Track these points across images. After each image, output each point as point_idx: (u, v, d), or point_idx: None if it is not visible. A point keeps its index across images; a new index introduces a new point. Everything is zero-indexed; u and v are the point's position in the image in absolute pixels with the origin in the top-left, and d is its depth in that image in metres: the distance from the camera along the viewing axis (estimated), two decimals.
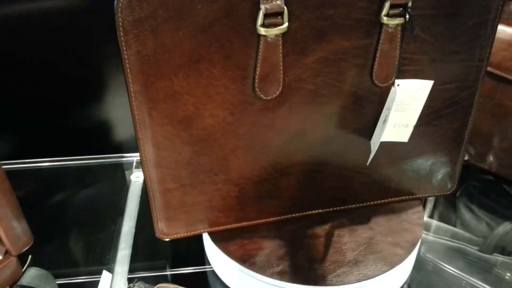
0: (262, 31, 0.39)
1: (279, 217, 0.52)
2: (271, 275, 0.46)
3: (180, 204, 0.48)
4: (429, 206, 0.67)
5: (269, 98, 0.43)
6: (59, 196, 0.68)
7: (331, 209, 0.53)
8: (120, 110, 0.70)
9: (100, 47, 0.65)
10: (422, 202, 0.57)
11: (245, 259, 0.48)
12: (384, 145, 0.50)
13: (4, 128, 0.70)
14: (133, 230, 0.57)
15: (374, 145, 0.48)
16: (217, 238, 0.51)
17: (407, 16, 0.42)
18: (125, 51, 0.38)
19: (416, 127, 0.50)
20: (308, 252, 0.49)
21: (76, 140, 0.72)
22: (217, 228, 0.51)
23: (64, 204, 0.66)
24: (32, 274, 0.49)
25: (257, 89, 0.42)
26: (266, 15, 0.39)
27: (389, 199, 0.55)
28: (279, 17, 0.39)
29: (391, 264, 0.48)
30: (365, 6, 0.42)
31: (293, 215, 0.52)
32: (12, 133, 0.72)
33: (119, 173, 0.72)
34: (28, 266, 0.50)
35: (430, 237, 0.62)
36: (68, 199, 0.67)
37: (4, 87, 0.66)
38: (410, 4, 0.42)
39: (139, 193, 0.65)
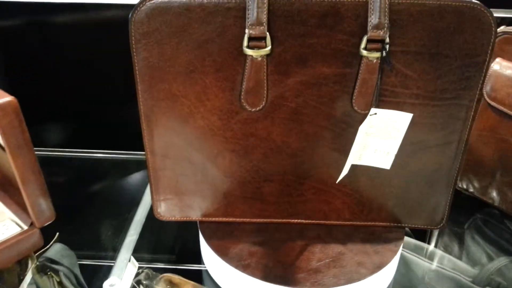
0: (247, 51, 0.46)
1: (262, 219, 0.58)
2: (236, 266, 0.52)
3: (175, 190, 0.56)
4: (435, 235, 0.68)
5: (253, 110, 0.49)
6: (85, 184, 0.77)
7: (313, 221, 0.58)
8: None
9: None
10: (403, 230, 0.58)
11: (222, 250, 0.55)
12: (366, 168, 0.53)
13: (46, 120, 0.82)
14: (144, 219, 0.65)
15: (346, 166, 0.52)
16: (206, 233, 0.58)
17: (384, 52, 0.46)
18: (135, 57, 0.47)
19: (400, 157, 0.52)
20: (278, 254, 0.54)
21: (107, 135, 0.84)
22: (207, 219, 0.58)
23: (89, 192, 0.75)
24: (56, 249, 0.56)
25: (243, 100, 0.49)
26: (250, 39, 0.45)
27: (372, 223, 0.58)
28: (263, 41, 0.46)
29: (349, 280, 0.51)
30: (345, 39, 0.46)
31: (276, 220, 0.58)
32: (54, 125, 0.84)
33: (143, 168, 0.79)
34: (55, 242, 0.57)
35: (427, 264, 0.63)
36: (93, 188, 0.76)
37: (53, 84, 0.79)
38: (387, 40, 0.45)
39: None
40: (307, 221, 0.58)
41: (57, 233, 0.57)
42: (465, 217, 0.70)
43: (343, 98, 0.49)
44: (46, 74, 0.80)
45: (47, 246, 0.56)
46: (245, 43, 0.46)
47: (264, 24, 0.45)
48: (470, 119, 0.51)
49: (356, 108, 0.49)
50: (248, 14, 0.44)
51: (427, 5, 0.45)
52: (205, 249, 0.57)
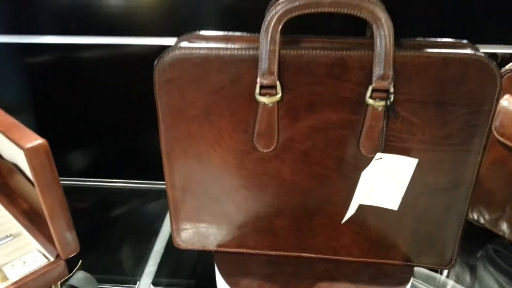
0: (259, 98, 0.49)
1: (274, 252, 0.60)
2: None
3: (193, 221, 0.59)
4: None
5: (265, 151, 0.53)
6: (108, 213, 0.80)
7: (323, 256, 0.60)
8: None
9: None
10: (413, 269, 0.59)
11: (233, 282, 0.58)
12: (374, 208, 0.55)
13: (68, 149, 0.88)
14: (162, 250, 0.69)
15: (352, 206, 0.54)
16: (220, 263, 0.61)
17: (388, 101, 0.48)
18: (158, 100, 0.52)
19: (408, 199, 0.54)
20: (284, 287, 0.56)
21: (131, 165, 0.88)
22: (222, 249, 0.61)
23: (111, 221, 0.78)
24: (80, 276, 0.60)
25: (255, 142, 0.52)
26: (262, 87, 0.49)
27: (381, 260, 0.59)
28: (273, 89, 0.49)
29: None
30: (351, 88, 0.49)
31: (287, 253, 0.60)
32: (67, 151, 0.88)
33: (164, 198, 0.79)
34: (78, 270, 0.61)
35: None
36: (115, 217, 0.79)
37: (76, 116, 0.85)
38: (391, 90, 0.48)
39: None
40: (317, 255, 0.60)
41: (80, 261, 0.62)
42: (476, 247, 0.71)
43: (350, 142, 0.51)
44: (70, 107, 0.85)
45: (71, 274, 0.60)
46: (257, 90, 0.49)
47: (275, 74, 0.48)
48: (478, 164, 0.52)
49: (363, 151, 0.51)
50: (260, 65, 0.48)
51: (431, 57, 0.47)
52: (219, 279, 0.60)
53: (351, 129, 0.51)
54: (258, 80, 0.49)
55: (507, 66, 0.66)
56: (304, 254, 0.60)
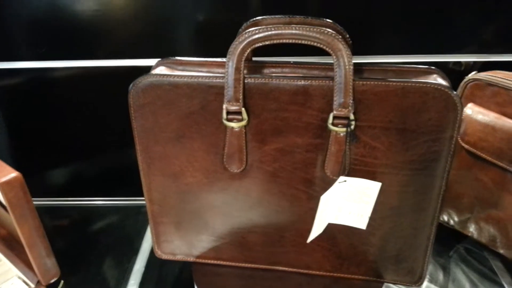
0: (226, 123, 0.52)
1: (249, 264, 0.63)
2: None
3: (171, 234, 0.62)
4: None
5: (235, 171, 0.55)
6: (84, 234, 0.78)
7: (296, 269, 0.62)
8: None
9: None
10: (382, 284, 0.60)
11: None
12: (343, 227, 0.57)
13: (36, 167, 0.85)
14: (143, 269, 0.69)
15: (316, 227, 0.55)
16: (197, 273, 0.64)
17: (350, 128, 0.49)
18: (134, 122, 0.55)
19: (375, 219, 0.55)
20: None
21: (106, 182, 0.87)
22: (200, 260, 0.64)
23: (91, 240, 0.77)
24: None
25: (225, 163, 0.55)
26: (228, 112, 0.51)
27: (353, 276, 0.61)
28: (239, 115, 0.51)
29: None
30: (314, 114, 0.50)
31: (261, 266, 0.62)
32: (45, 172, 0.86)
33: (142, 215, 0.82)
34: None
35: None
36: (95, 235, 0.78)
37: (47, 132, 0.83)
38: (352, 117, 0.49)
39: None
40: (290, 269, 0.62)
41: (62, 282, 0.63)
42: (448, 248, 0.73)
43: (316, 165, 0.53)
44: (45, 129, 0.83)
45: None
46: (224, 116, 0.51)
47: (240, 101, 0.50)
48: (442, 188, 0.53)
49: (328, 174, 0.53)
50: (226, 92, 0.50)
51: (390, 86, 0.48)
52: None
53: (316, 152, 0.52)
54: (224, 106, 0.51)
55: (469, 75, 0.67)
56: (278, 268, 0.62)
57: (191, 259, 0.64)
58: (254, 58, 0.57)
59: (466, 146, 0.66)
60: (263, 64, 0.55)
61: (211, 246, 0.62)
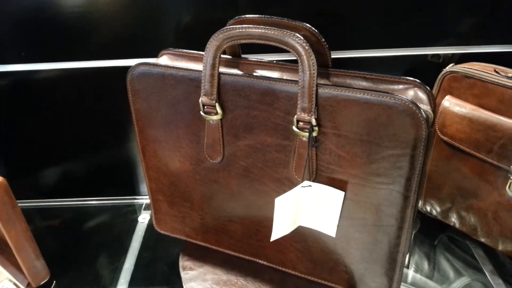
0: (203, 115, 0.55)
1: (232, 252, 0.65)
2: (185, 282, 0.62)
3: (166, 212, 0.68)
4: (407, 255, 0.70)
5: (214, 162, 0.58)
6: (74, 234, 0.79)
7: (273, 265, 0.63)
8: (134, 158, 0.84)
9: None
10: None
11: (184, 265, 0.65)
12: (313, 232, 0.57)
13: (25, 169, 0.85)
14: (132, 267, 0.69)
15: (278, 227, 0.56)
16: (185, 251, 0.69)
17: (313, 132, 0.49)
18: (132, 106, 0.60)
19: (343, 228, 0.54)
20: (228, 283, 0.62)
21: (95, 182, 0.87)
22: (190, 239, 0.68)
23: (78, 241, 0.77)
24: None
25: (205, 153, 0.58)
26: (204, 105, 0.54)
27: (325, 282, 0.60)
28: (214, 108, 0.53)
29: None
30: (282, 116, 0.51)
31: (243, 256, 0.65)
32: (34, 174, 0.86)
33: (130, 214, 0.83)
34: None
35: None
36: (83, 237, 0.78)
37: (35, 134, 0.82)
38: (314, 122, 0.48)
39: (143, 233, 0.77)
40: (268, 263, 0.63)
41: (54, 282, 0.65)
42: (432, 237, 0.75)
43: (285, 166, 0.54)
44: (33, 132, 0.83)
45: None
46: (201, 108, 0.54)
47: (214, 95, 0.53)
48: (410, 208, 0.50)
49: (296, 176, 0.53)
50: (203, 86, 0.53)
51: (353, 95, 0.46)
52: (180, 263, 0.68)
53: (285, 154, 0.53)
54: (200, 99, 0.54)
55: (447, 68, 0.67)
56: (258, 260, 0.64)
57: (183, 237, 0.69)
58: (244, 55, 0.58)
59: (444, 138, 0.67)
60: (245, 62, 0.56)
61: (199, 228, 0.66)
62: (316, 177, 0.52)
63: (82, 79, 0.77)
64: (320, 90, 0.48)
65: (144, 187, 0.85)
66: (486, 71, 0.63)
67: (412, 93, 0.49)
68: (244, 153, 0.56)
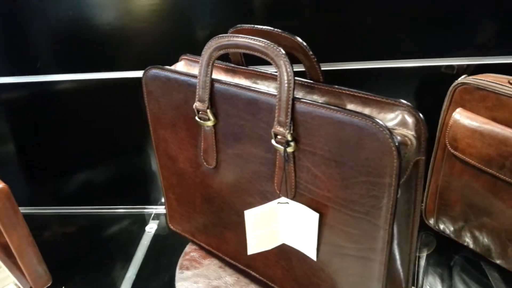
0: (198, 120, 0.56)
1: (229, 259, 0.65)
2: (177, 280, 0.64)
3: (175, 210, 0.70)
4: (421, 275, 0.68)
5: (209, 167, 0.59)
6: (83, 241, 0.80)
7: (263, 279, 0.62)
8: (146, 168, 0.85)
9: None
10: None
11: (185, 266, 0.67)
12: (296, 251, 0.54)
13: (35, 177, 0.87)
14: (134, 277, 0.70)
15: (252, 241, 0.54)
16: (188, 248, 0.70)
17: (288, 148, 0.47)
18: (147, 106, 0.64)
19: (323, 253, 0.51)
20: None
21: (108, 192, 0.88)
22: (195, 240, 0.70)
23: (86, 248, 0.78)
24: None
25: (201, 157, 0.59)
26: (197, 111, 0.55)
27: None
28: (206, 114, 0.54)
29: None
30: (264, 127, 0.50)
31: (240, 265, 0.64)
32: (46, 182, 0.87)
33: (139, 223, 0.84)
34: None
35: None
36: (90, 244, 0.79)
37: (44, 143, 0.85)
38: (289, 137, 0.46)
39: (149, 243, 0.78)
40: (260, 277, 0.62)
41: (63, 287, 0.67)
42: (446, 257, 0.70)
43: (268, 179, 0.52)
44: (46, 142, 0.85)
45: None
46: (196, 113, 0.56)
47: (206, 101, 0.54)
48: (389, 245, 0.45)
49: (278, 191, 0.52)
50: (197, 92, 0.54)
51: (326, 113, 0.44)
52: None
53: (268, 167, 0.52)
54: (194, 105, 0.55)
55: (459, 79, 0.63)
56: (251, 272, 0.63)
57: (189, 237, 0.71)
58: (252, 67, 0.58)
59: (455, 153, 0.63)
60: (244, 70, 0.56)
61: (202, 231, 0.68)
62: (296, 195, 0.50)
63: (99, 90, 0.79)
64: (297, 105, 0.46)
65: (154, 196, 0.88)
66: (500, 82, 0.59)
67: (399, 116, 0.45)
68: (233, 162, 0.56)
